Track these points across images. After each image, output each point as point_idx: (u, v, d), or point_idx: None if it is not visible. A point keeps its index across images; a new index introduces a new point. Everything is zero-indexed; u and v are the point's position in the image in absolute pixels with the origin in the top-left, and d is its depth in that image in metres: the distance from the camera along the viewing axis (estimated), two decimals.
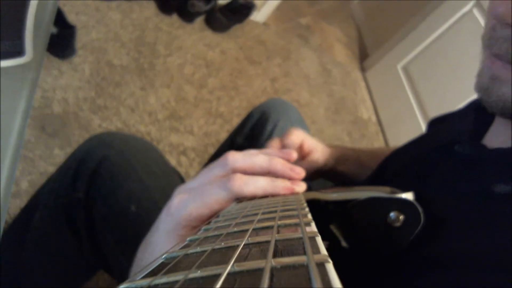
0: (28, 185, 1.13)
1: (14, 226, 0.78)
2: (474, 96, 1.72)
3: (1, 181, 0.42)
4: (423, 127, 2.16)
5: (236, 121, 1.77)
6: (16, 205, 1.07)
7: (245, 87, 2.00)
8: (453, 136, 0.52)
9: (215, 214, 0.36)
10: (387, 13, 2.86)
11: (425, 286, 0.35)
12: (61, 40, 1.42)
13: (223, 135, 1.69)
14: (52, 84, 1.38)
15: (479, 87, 0.45)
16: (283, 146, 0.65)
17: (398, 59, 2.48)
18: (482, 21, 1.98)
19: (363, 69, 2.81)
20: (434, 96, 2.16)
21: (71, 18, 1.52)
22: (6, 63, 0.48)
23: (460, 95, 1.94)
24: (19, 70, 0.49)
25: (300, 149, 0.68)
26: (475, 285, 0.32)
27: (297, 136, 0.66)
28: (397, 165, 0.60)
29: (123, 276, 0.63)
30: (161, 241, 0.37)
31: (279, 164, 0.40)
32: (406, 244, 0.36)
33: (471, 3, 2.06)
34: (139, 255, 0.42)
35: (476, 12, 2.03)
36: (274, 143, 0.65)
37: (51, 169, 1.19)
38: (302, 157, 0.68)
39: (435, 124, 0.70)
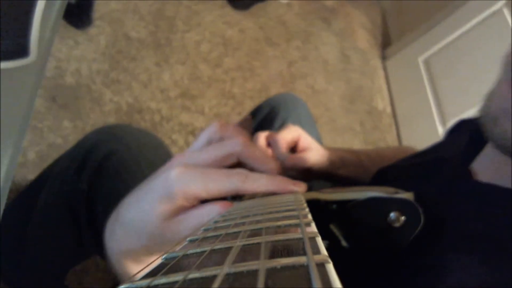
0: (35, 156, 1.15)
1: (20, 201, 0.80)
2: None
3: (0, 181, 0.43)
4: (437, 124, 2.12)
5: (248, 104, 1.77)
6: (22, 176, 1.09)
7: (261, 69, 1.98)
8: (446, 155, 0.52)
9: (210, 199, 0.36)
10: (415, 2, 2.78)
11: (425, 286, 0.36)
12: (79, 9, 1.41)
13: (234, 118, 1.69)
14: (67, 54, 1.38)
15: (484, 112, 0.44)
16: (273, 140, 0.64)
17: (421, 51, 2.42)
18: (511, 21, 1.92)
19: (383, 57, 2.75)
20: (453, 94, 2.12)
21: None
22: (9, 64, 0.48)
23: (479, 97, 1.88)
24: (21, 70, 0.49)
25: (295, 145, 0.67)
26: (474, 285, 0.33)
27: (291, 132, 0.65)
28: (399, 169, 0.60)
29: None
30: (152, 203, 0.36)
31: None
32: (406, 244, 0.36)
33: (501, 2, 1.99)
34: (124, 211, 0.41)
35: (506, 12, 1.96)
36: (261, 137, 0.64)
37: (59, 141, 1.21)
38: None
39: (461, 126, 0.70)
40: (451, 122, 2.25)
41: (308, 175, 0.68)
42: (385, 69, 2.69)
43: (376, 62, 2.68)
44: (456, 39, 2.21)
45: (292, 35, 2.29)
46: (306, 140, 0.67)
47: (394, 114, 2.47)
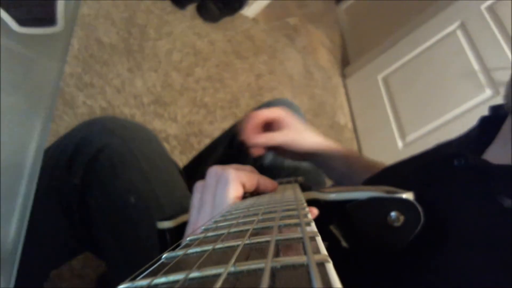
0: None
1: None
2: (450, 113, 1.80)
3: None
4: (397, 139, 2.22)
5: (219, 113, 1.78)
6: None
7: (230, 80, 2.00)
8: (453, 150, 0.53)
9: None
10: (372, 23, 2.91)
11: (425, 286, 0.36)
12: None
13: (206, 126, 1.69)
14: None
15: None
16: (248, 116, 0.70)
17: (379, 70, 2.54)
18: (464, 43, 2.05)
19: (343, 76, 2.85)
20: (411, 110, 2.22)
21: None
22: (38, 30, 0.47)
23: (436, 112, 2.00)
24: (50, 38, 0.49)
25: (272, 123, 0.72)
26: (476, 285, 0.34)
27: (270, 111, 0.71)
28: (398, 176, 0.61)
29: (116, 267, 0.62)
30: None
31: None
32: (406, 244, 0.37)
33: (456, 24, 2.13)
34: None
35: (459, 33, 2.10)
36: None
37: None
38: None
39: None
40: (410, 136, 2.30)
41: (286, 153, 0.74)
42: (345, 86, 2.78)
43: (337, 80, 2.77)
44: (413, 58, 2.33)
45: (258, 49, 2.33)
46: (285, 120, 0.71)
47: (355, 129, 2.55)
